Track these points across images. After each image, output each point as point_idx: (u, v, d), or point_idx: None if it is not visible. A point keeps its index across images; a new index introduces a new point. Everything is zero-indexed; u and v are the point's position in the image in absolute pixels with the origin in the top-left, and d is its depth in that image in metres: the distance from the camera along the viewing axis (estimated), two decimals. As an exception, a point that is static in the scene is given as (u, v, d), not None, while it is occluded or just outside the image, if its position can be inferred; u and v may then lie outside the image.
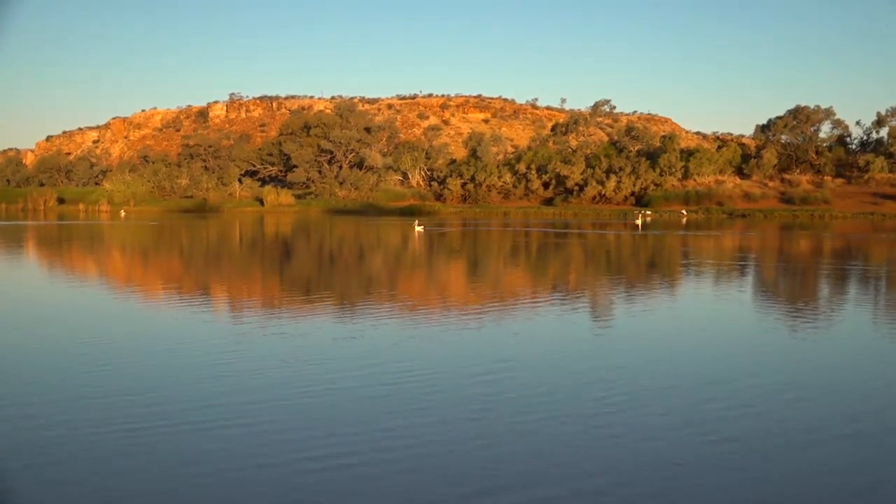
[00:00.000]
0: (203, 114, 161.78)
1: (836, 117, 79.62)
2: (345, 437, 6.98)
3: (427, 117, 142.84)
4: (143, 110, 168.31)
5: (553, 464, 6.35)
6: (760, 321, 13.95)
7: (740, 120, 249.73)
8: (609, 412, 7.75)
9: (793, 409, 7.94)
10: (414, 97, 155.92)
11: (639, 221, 54.23)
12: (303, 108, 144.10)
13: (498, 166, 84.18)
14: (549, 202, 79.50)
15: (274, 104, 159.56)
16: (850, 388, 8.80)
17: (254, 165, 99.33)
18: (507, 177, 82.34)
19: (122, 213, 76.96)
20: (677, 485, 5.93)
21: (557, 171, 79.86)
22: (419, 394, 8.45)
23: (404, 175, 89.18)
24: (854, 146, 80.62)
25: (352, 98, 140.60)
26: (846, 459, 6.48)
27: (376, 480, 5.99)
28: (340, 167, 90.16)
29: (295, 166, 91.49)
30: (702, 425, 7.33)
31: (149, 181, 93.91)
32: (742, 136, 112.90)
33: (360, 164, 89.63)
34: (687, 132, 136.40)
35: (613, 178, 76.82)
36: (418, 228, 42.90)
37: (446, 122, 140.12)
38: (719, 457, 6.51)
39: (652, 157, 79.50)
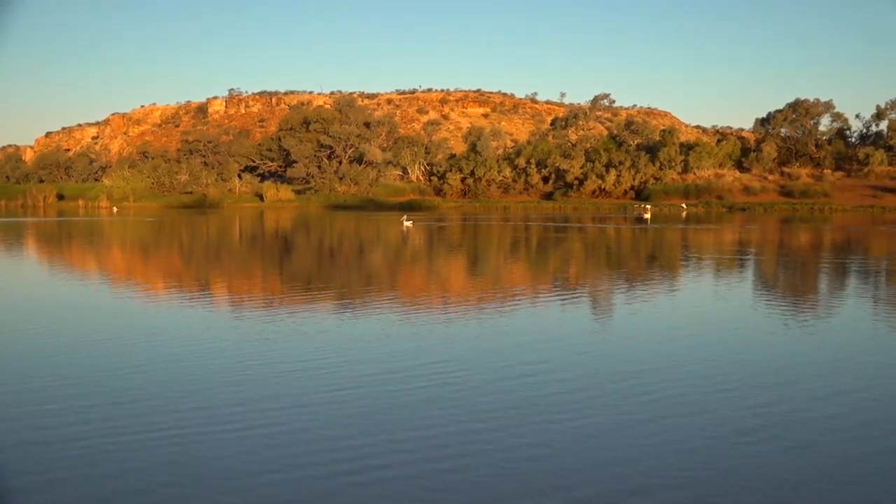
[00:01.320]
0: (202, 109, 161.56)
1: (835, 110, 79.82)
2: (368, 441, 6.94)
3: (426, 112, 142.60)
4: (142, 106, 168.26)
5: (585, 468, 6.35)
6: (778, 320, 13.95)
7: (740, 114, 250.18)
8: (638, 415, 7.73)
9: (835, 408, 7.84)
10: (413, 92, 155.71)
11: (647, 216, 53.81)
12: (302, 104, 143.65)
13: (497, 161, 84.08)
14: (548, 196, 79.44)
15: (273, 99, 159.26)
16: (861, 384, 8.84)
17: (253, 161, 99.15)
18: (507, 171, 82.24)
19: (115, 210, 75.39)
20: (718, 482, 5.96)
21: (557, 165, 79.79)
22: (440, 398, 8.39)
23: (404, 170, 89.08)
24: (854, 139, 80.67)
25: (351, 93, 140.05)
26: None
27: (400, 487, 5.93)
28: (340, 162, 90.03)
29: (294, 162, 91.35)
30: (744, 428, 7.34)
31: (148, 177, 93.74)
32: (742, 129, 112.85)
33: (359, 160, 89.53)
34: (686, 126, 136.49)
35: (613, 172, 76.76)
36: (407, 223, 42.88)
37: (446, 117, 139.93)
38: (762, 459, 6.52)
39: (651, 150, 79.46)
